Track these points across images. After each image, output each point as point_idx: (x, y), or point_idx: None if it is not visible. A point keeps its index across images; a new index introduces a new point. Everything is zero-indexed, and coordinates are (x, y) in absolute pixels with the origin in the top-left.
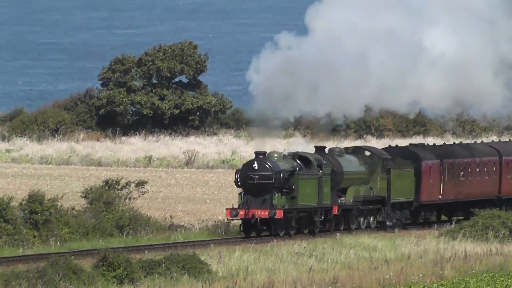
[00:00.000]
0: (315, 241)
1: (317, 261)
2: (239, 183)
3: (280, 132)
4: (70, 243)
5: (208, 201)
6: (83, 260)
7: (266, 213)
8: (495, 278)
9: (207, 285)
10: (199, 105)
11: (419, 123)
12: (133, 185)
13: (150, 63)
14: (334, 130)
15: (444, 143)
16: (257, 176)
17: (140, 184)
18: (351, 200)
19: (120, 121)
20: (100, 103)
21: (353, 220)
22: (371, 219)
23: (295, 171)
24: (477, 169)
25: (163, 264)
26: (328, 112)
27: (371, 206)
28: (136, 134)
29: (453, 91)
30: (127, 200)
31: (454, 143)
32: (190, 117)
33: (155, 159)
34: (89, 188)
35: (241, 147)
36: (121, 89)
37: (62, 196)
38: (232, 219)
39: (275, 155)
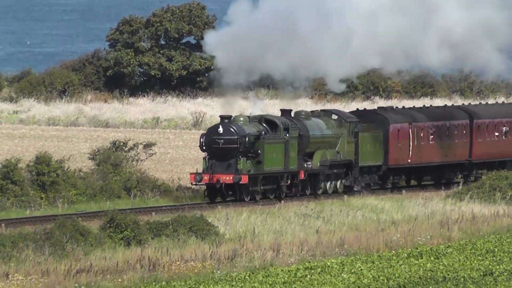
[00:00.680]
0: (322, 203)
1: (324, 223)
2: (204, 148)
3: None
4: (77, 205)
5: None
6: (90, 222)
7: (231, 178)
8: (502, 239)
9: (214, 247)
10: (207, 66)
11: (426, 84)
12: (140, 146)
13: (158, 24)
14: (342, 91)
15: (414, 106)
16: (222, 141)
17: (148, 145)
18: (318, 164)
19: (127, 82)
20: (108, 64)
21: (319, 185)
22: (338, 183)
23: (261, 135)
24: (447, 133)
25: (171, 226)
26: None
27: (338, 171)
28: (143, 96)
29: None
30: (134, 162)
31: (430, 106)
32: (198, 78)
33: (162, 120)
34: (96, 150)
35: (248, 108)
36: (129, 50)
37: (69, 158)
38: (196, 184)
39: (241, 119)
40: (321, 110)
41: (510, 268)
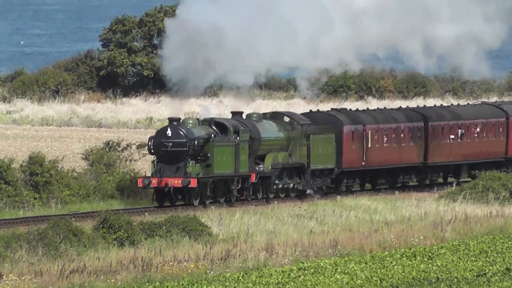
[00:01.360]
0: (316, 203)
1: (317, 224)
2: (152, 151)
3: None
4: (71, 205)
5: None
6: (83, 222)
7: (180, 181)
8: (495, 240)
9: (207, 248)
10: None
11: (419, 84)
12: (134, 146)
13: (151, 23)
14: (335, 91)
15: (367, 108)
16: (170, 144)
17: (141, 146)
18: (269, 167)
19: (121, 82)
20: (101, 64)
21: (271, 188)
22: (291, 187)
23: (210, 138)
24: (402, 135)
25: (164, 227)
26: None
27: (289, 174)
28: (137, 95)
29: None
30: (128, 162)
31: (384, 108)
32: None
33: (156, 120)
34: (89, 150)
35: (241, 108)
36: (122, 50)
37: (62, 158)
38: (144, 188)
39: (190, 122)
40: (273, 112)
41: (503, 268)
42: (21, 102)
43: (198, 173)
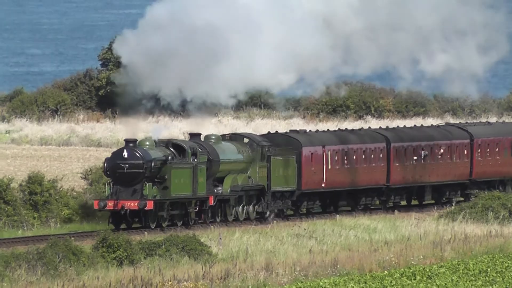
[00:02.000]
0: (315, 223)
1: (317, 243)
2: (108, 173)
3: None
4: (70, 225)
5: None
6: (83, 242)
7: (136, 204)
8: (495, 259)
9: (207, 267)
10: None
11: (418, 103)
12: None
13: None
14: (334, 111)
15: (328, 129)
16: (126, 165)
17: None
18: (228, 190)
19: (119, 101)
20: (100, 84)
21: (230, 211)
22: (251, 209)
23: (167, 159)
24: (363, 156)
25: (163, 246)
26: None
27: (249, 196)
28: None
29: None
30: None
31: (346, 129)
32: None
33: (156, 139)
34: (89, 169)
35: (240, 128)
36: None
37: (62, 177)
38: (100, 211)
39: (147, 143)
40: (232, 134)
41: None
42: (20, 122)
43: (155, 195)
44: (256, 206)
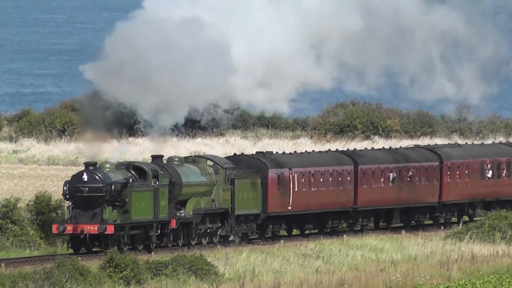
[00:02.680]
0: (322, 243)
1: (324, 263)
2: (67, 196)
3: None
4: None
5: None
6: (89, 261)
7: (96, 228)
8: (502, 279)
9: (214, 287)
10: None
11: (426, 124)
12: None
13: None
14: (342, 131)
15: (295, 151)
16: (86, 189)
17: None
18: (191, 213)
19: (127, 122)
20: (107, 104)
21: (193, 235)
22: (213, 232)
23: (128, 182)
24: (330, 179)
25: (170, 266)
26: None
27: (212, 219)
28: (143, 135)
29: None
30: None
31: (312, 151)
32: (197, 118)
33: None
34: None
35: (248, 148)
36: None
37: None
38: (59, 235)
39: (107, 166)
40: (195, 156)
41: None
42: (27, 142)
43: (115, 219)
44: (219, 230)
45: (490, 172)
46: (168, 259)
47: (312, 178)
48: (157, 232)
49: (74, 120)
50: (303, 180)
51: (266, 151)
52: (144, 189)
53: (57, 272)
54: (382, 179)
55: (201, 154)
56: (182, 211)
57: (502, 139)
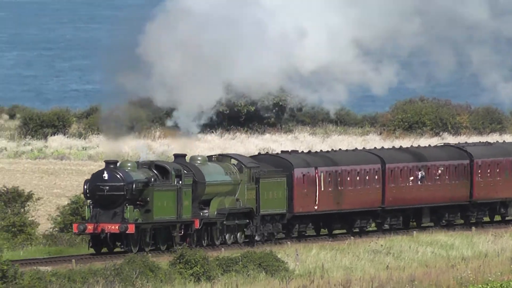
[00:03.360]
0: (392, 239)
1: (394, 259)
2: (88, 195)
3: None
4: None
5: None
6: (160, 258)
7: (117, 227)
8: None
9: (284, 283)
10: (275, 102)
11: (495, 120)
12: None
13: None
14: (411, 127)
15: (321, 150)
16: (107, 187)
17: None
18: (215, 213)
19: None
20: None
21: (217, 235)
22: (239, 233)
23: (150, 182)
24: (358, 178)
25: (240, 262)
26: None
27: (237, 220)
28: (212, 132)
29: None
30: None
31: (339, 149)
32: (266, 114)
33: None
34: None
35: (317, 145)
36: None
37: None
38: (80, 234)
39: (129, 164)
40: (219, 155)
41: None
42: (96, 138)
43: (136, 218)
44: (245, 229)
45: None
46: (238, 255)
47: (338, 177)
48: (180, 232)
49: (143, 116)
50: (329, 179)
51: (292, 150)
52: (167, 189)
53: (127, 268)
54: (411, 178)
55: (268, 151)
56: (206, 211)
57: None
